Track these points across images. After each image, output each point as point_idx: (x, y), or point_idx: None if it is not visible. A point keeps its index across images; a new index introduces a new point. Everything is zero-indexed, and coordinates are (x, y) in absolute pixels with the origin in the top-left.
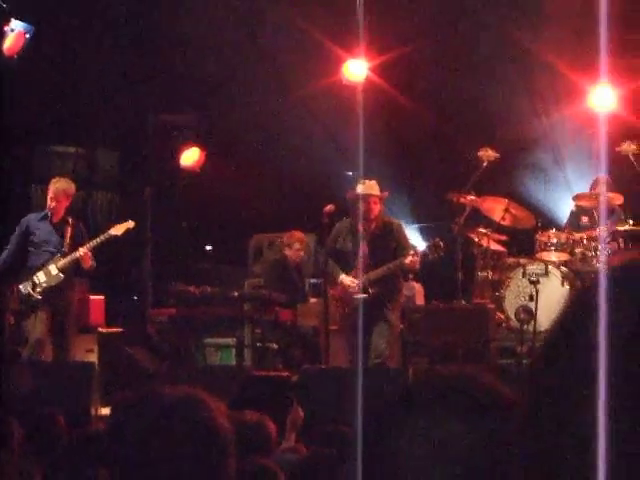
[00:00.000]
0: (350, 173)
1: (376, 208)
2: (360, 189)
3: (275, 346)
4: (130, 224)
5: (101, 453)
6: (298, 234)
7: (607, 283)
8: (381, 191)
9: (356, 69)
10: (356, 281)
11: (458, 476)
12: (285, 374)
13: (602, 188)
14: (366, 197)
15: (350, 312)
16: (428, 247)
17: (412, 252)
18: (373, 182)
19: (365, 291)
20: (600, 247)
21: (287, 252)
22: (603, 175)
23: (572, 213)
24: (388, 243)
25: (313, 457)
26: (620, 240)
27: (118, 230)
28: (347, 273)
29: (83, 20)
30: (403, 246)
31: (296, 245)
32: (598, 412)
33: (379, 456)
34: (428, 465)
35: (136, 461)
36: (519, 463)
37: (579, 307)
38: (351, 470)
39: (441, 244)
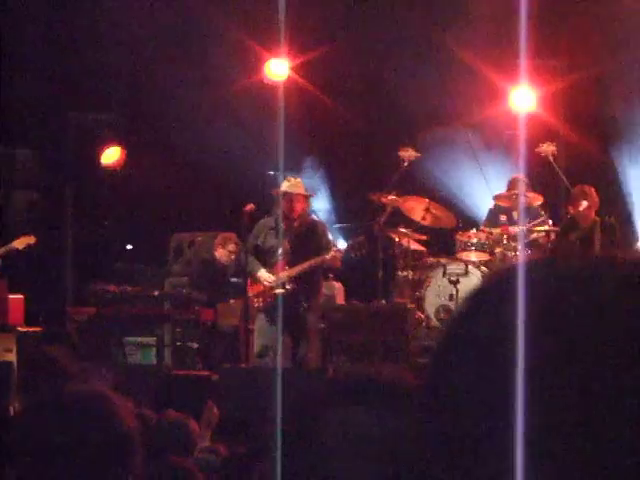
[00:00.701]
0: (271, 172)
1: (299, 206)
2: (285, 187)
3: (195, 345)
4: (31, 239)
5: (6, 451)
6: (232, 235)
7: (509, 280)
8: (307, 191)
9: (278, 68)
10: (273, 277)
11: (377, 469)
12: (205, 373)
13: (520, 188)
14: (290, 195)
15: (268, 307)
16: (351, 245)
17: (335, 249)
18: (298, 180)
19: (283, 287)
20: (519, 247)
21: (218, 252)
22: (520, 175)
23: (491, 211)
24: (310, 242)
25: (232, 457)
26: (540, 240)
27: (20, 244)
28: (268, 270)
29: (0, 19)
30: (325, 246)
31: (231, 246)
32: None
33: (299, 453)
34: (347, 459)
35: (41, 459)
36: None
37: (474, 302)
38: (270, 468)
39: (364, 243)
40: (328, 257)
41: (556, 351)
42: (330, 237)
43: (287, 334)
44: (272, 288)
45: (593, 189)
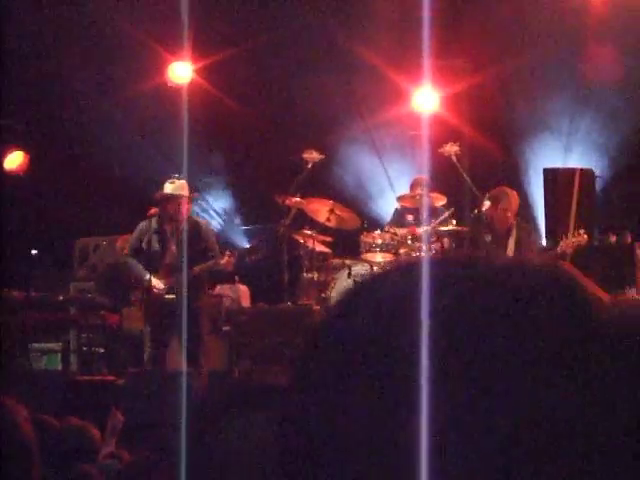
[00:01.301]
0: (176, 175)
1: (184, 208)
2: (169, 189)
3: (101, 350)
4: None
5: None
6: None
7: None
8: (191, 191)
9: (181, 71)
10: (161, 282)
11: (275, 471)
12: (110, 378)
13: (423, 189)
14: (175, 197)
15: (158, 313)
16: (246, 249)
17: (228, 253)
18: (183, 182)
19: (173, 292)
20: (424, 247)
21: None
22: (422, 176)
23: (396, 211)
24: (197, 243)
25: (135, 462)
26: (445, 240)
27: None
28: (154, 274)
29: None
30: (212, 247)
31: None
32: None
33: (202, 456)
34: (247, 463)
35: None
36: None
37: (347, 301)
38: (174, 473)
39: (261, 247)
40: (222, 261)
41: (459, 352)
42: (215, 237)
43: (178, 338)
44: (160, 294)
45: (515, 192)
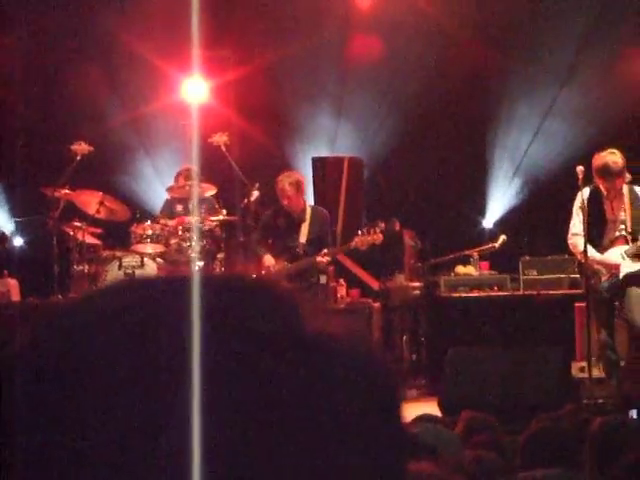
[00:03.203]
0: None
1: None
2: None
3: None
4: None
5: None
6: None
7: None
8: None
9: None
10: None
11: None
12: None
13: (193, 179)
14: None
15: None
16: None
17: None
18: None
19: None
20: (194, 237)
21: None
22: (189, 165)
23: (167, 201)
24: None
25: None
26: (217, 230)
27: None
28: None
29: None
30: None
31: None
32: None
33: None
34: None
35: None
36: None
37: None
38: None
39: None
40: None
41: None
42: None
43: None
44: None
45: (302, 178)
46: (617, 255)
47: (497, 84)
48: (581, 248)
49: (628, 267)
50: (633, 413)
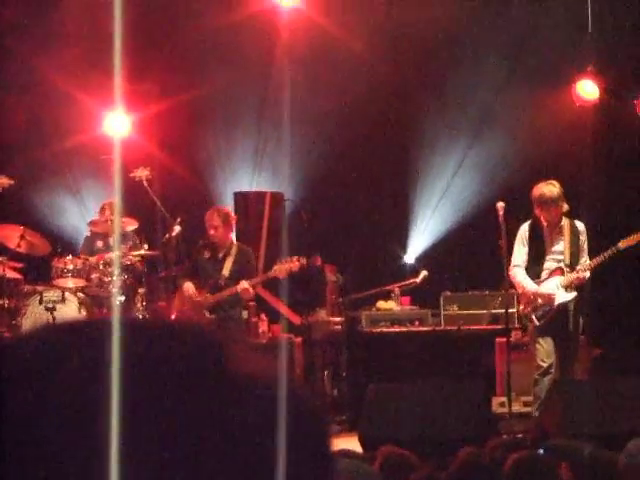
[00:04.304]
0: None
1: None
2: None
3: None
4: None
5: None
6: None
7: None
8: None
9: None
10: None
11: None
12: None
13: (115, 214)
14: None
15: None
16: None
17: None
18: None
19: None
20: (115, 272)
21: None
22: (112, 200)
23: (87, 238)
24: None
25: None
26: (139, 265)
27: None
28: None
29: None
30: None
31: None
32: None
33: None
34: None
35: None
36: None
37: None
38: None
39: None
40: None
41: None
42: None
43: None
44: None
45: (232, 214)
46: (553, 286)
47: (417, 118)
48: (519, 278)
49: (562, 297)
50: (540, 451)
